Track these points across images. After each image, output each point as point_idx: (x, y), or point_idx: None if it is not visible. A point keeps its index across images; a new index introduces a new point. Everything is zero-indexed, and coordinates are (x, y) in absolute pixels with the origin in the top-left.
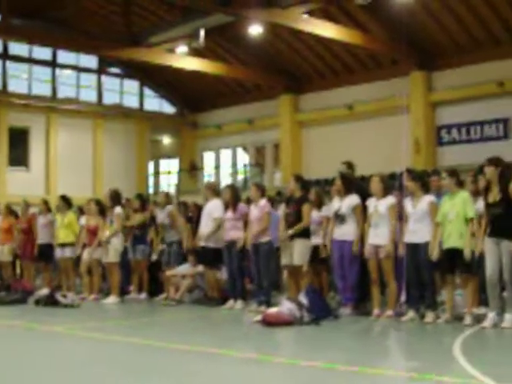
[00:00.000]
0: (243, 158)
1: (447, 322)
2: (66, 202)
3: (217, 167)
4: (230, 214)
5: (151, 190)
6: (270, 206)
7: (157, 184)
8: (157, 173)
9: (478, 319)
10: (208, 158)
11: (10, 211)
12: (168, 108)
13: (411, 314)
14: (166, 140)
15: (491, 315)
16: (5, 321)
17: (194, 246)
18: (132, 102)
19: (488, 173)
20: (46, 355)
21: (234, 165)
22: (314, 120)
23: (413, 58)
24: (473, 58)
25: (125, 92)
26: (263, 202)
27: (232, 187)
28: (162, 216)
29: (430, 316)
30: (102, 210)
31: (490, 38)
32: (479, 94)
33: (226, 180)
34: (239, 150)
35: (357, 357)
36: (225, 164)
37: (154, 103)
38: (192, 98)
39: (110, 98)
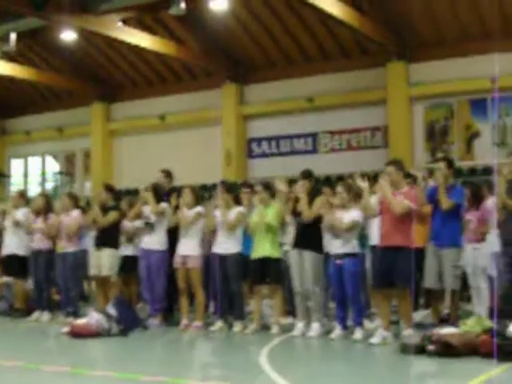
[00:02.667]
0: (53, 165)
1: (255, 332)
2: None
3: (25, 175)
4: (39, 222)
5: None
6: (82, 217)
7: None
8: None
9: (285, 329)
10: (16, 165)
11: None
12: None
13: (220, 324)
14: None
15: (300, 325)
16: None
17: None
18: None
19: (300, 185)
20: None
21: (44, 173)
22: (126, 129)
23: (226, 71)
24: (284, 74)
25: None
26: (76, 212)
27: (45, 195)
28: None
29: (238, 326)
30: None
31: (301, 54)
32: (289, 108)
33: (34, 188)
34: (49, 158)
35: (164, 368)
36: (34, 172)
37: None
38: (0, 103)
39: None
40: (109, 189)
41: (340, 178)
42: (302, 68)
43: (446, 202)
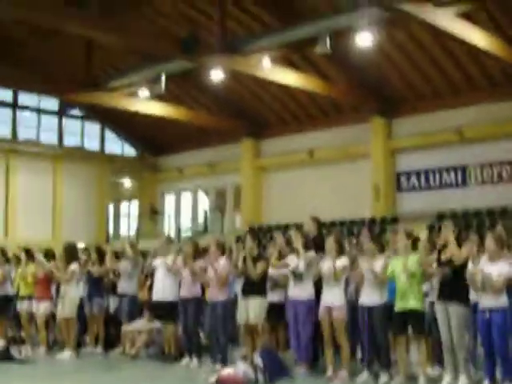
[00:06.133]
0: (204, 201)
1: (401, 383)
2: (28, 254)
3: (177, 210)
4: (188, 269)
5: (111, 233)
6: (228, 266)
7: (117, 227)
8: (117, 216)
9: (432, 380)
10: (168, 201)
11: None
12: (129, 150)
13: (365, 374)
14: (127, 183)
15: (447, 378)
16: None
17: (149, 300)
18: (93, 144)
19: (445, 231)
20: None
21: (195, 208)
22: (275, 165)
23: (373, 105)
24: (432, 106)
25: (86, 134)
26: (224, 260)
27: (194, 242)
28: (124, 264)
29: (384, 376)
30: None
31: (449, 86)
32: (438, 141)
33: (186, 223)
34: (200, 194)
35: None
36: (185, 207)
37: (115, 146)
38: (153, 140)
39: (70, 140)
40: (253, 235)
41: (490, 213)
42: (450, 100)
43: None
